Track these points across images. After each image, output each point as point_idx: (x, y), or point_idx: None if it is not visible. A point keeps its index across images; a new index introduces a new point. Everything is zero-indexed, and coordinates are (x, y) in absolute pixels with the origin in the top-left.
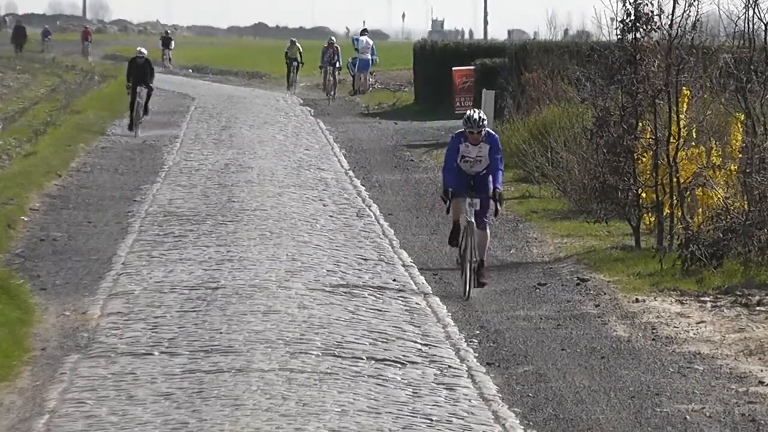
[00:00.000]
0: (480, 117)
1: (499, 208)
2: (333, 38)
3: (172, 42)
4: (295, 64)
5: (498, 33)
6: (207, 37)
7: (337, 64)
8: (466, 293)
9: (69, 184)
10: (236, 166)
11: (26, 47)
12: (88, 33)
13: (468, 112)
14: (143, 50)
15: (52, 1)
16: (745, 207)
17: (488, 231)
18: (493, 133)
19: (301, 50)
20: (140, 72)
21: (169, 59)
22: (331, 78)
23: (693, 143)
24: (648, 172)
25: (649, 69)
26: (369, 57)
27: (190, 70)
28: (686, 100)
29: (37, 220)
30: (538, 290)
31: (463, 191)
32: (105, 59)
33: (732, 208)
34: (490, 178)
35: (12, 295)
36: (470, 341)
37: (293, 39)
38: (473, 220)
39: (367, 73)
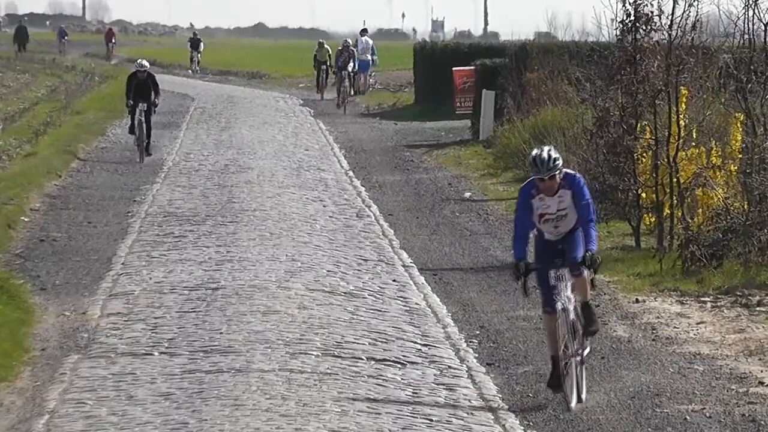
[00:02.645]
0: (551, 155)
1: (594, 279)
2: (348, 41)
3: (201, 44)
4: (324, 67)
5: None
6: (207, 37)
7: (350, 67)
8: (575, 400)
9: (69, 184)
10: (236, 166)
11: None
12: (112, 34)
13: (534, 150)
14: (145, 63)
15: (52, 1)
16: (745, 207)
17: (585, 274)
18: (573, 172)
19: (330, 53)
20: (142, 89)
21: (198, 63)
22: (347, 83)
23: (693, 143)
24: (648, 172)
25: (649, 69)
26: (369, 58)
27: (190, 71)
28: (684, 99)
29: (37, 220)
30: (538, 290)
31: (549, 264)
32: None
33: (732, 208)
34: (580, 234)
35: (12, 295)
36: (470, 341)
37: (321, 41)
38: (567, 304)
39: (367, 74)
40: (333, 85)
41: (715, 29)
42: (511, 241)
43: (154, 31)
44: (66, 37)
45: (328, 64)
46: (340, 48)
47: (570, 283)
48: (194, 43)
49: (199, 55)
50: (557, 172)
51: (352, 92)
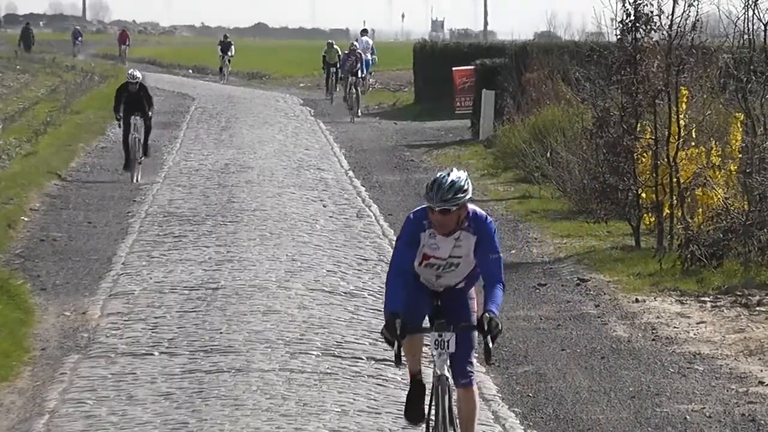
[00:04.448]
0: (454, 183)
1: (490, 346)
2: (355, 43)
3: (233, 47)
4: (333, 69)
5: (499, 34)
6: (207, 37)
7: (360, 74)
8: None
9: (69, 183)
10: (236, 166)
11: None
12: (126, 35)
13: (439, 173)
14: (137, 74)
15: (53, 1)
16: (745, 207)
17: (475, 386)
18: (484, 215)
19: (340, 54)
20: (134, 101)
21: (228, 66)
22: (354, 90)
23: (693, 143)
24: (648, 172)
25: (649, 69)
26: (369, 57)
27: (190, 71)
28: (685, 99)
29: (37, 220)
30: (538, 290)
31: (419, 320)
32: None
33: (732, 208)
34: (470, 293)
35: (12, 295)
36: None
37: (331, 41)
38: (446, 372)
39: (367, 74)
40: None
41: (715, 29)
42: (385, 285)
43: (153, 31)
44: (80, 39)
45: (337, 65)
46: (346, 51)
47: (453, 395)
48: (224, 46)
49: (229, 59)
50: (455, 208)
51: (361, 101)
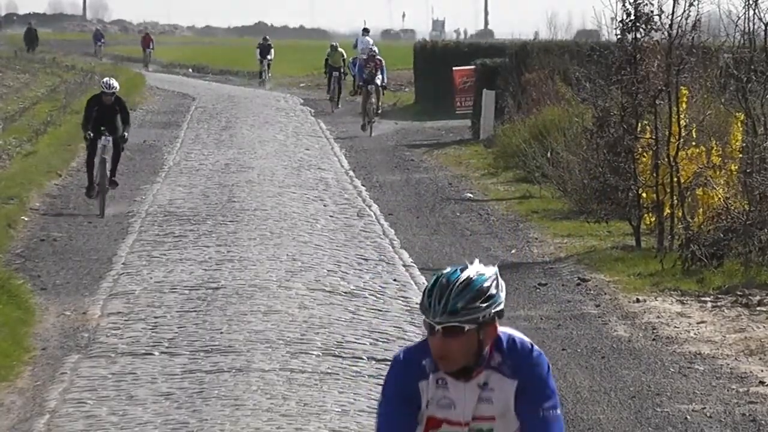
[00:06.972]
0: (472, 278)
1: None
2: (375, 49)
3: (272, 50)
4: (336, 74)
5: (499, 33)
6: (207, 36)
7: (378, 81)
8: None
9: (69, 183)
10: (237, 166)
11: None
12: (149, 39)
13: (446, 268)
14: (113, 83)
15: (52, 0)
16: (746, 207)
17: None
18: (527, 342)
19: (345, 57)
20: (106, 115)
21: (268, 70)
22: (375, 99)
23: (693, 143)
24: (648, 172)
25: (649, 69)
26: None
27: (190, 70)
28: (685, 99)
29: (37, 220)
30: (538, 290)
31: None
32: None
33: (732, 208)
34: None
35: (12, 295)
36: None
37: (334, 44)
38: None
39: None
40: (351, 94)
41: (715, 29)
42: None
43: (153, 30)
44: (103, 40)
45: (341, 70)
46: (365, 57)
47: None
48: (264, 49)
49: (269, 63)
50: (469, 326)
51: (380, 110)
